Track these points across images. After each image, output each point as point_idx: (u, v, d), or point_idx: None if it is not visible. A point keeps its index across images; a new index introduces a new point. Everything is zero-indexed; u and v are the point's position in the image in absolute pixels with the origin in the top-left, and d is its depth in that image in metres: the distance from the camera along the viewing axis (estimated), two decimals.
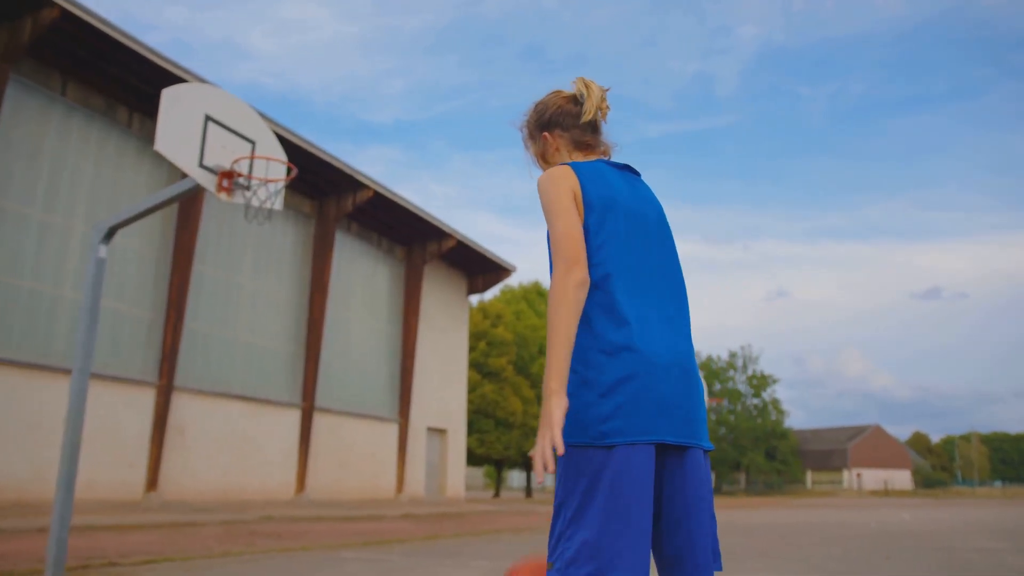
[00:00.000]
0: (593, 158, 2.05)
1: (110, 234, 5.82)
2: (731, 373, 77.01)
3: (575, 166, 1.90)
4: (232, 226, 18.25)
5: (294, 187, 20.05)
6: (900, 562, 7.53)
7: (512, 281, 46.29)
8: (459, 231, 24.16)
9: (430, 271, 25.32)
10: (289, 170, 5.82)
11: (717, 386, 77.03)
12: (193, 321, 16.96)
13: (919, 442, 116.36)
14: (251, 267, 18.80)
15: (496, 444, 36.90)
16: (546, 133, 2.10)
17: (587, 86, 2.07)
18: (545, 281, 47.62)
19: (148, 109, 15.99)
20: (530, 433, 39.03)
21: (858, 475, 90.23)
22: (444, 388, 26.05)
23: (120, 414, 14.88)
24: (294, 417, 19.49)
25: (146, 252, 16.02)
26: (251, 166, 5.62)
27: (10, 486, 12.96)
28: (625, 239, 1.85)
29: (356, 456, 21.62)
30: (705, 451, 1.82)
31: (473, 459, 39.91)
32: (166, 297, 16.31)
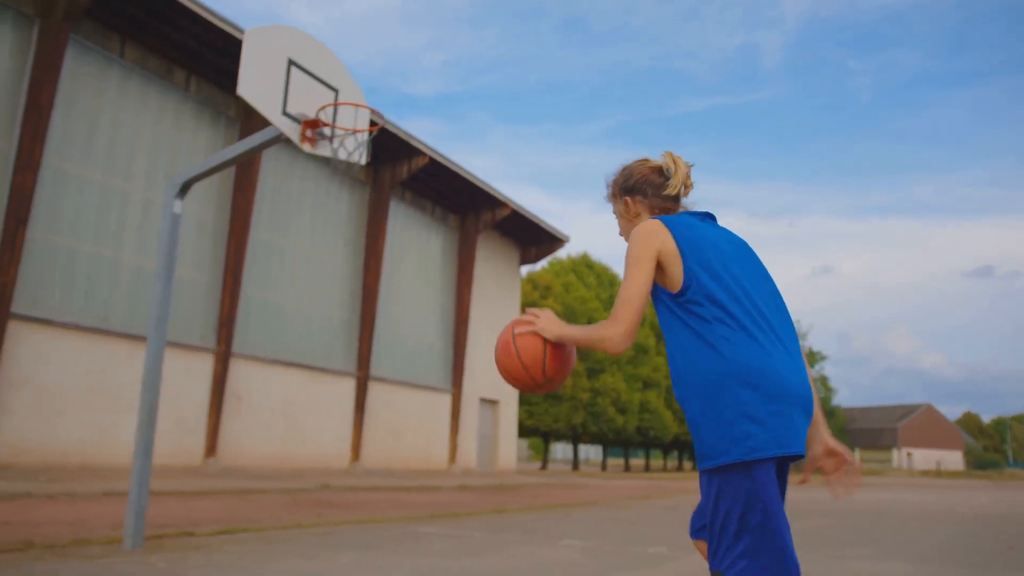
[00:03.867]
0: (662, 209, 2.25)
1: (185, 188, 5.48)
2: None
3: (665, 220, 2.08)
4: (287, 191, 18.01)
5: None
6: None
7: (560, 253, 45.71)
8: (513, 200, 23.69)
9: (483, 240, 24.93)
10: (374, 120, 5.41)
11: None
12: (250, 287, 16.80)
13: (970, 422, 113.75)
14: (307, 233, 18.58)
15: (545, 416, 36.66)
16: (627, 198, 2.29)
17: (675, 162, 2.24)
18: (593, 252, 46.95)
19: (205, 72, 15.74)
20: (579, 406, 38.71)
21: (908, 455, 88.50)
22: None
23: (180, 380, 14.79)
24: (349, 386, 19.33)
25: (204, 216, 15.85)
26: (335, 115, 5.21)
27: (76, 450, 12.94)
28: (727, 274, 2.01)
29: (409, 426, 21.45)
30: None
31: (521, 431, 39.73)
32: (223, 262, 16.15)
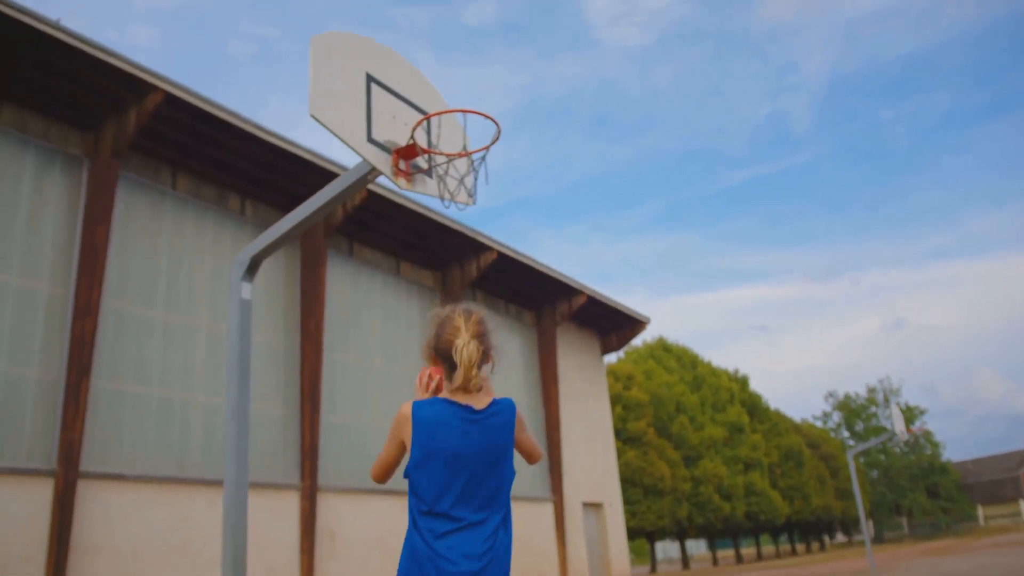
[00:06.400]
0: (453, 389, 2.72)
1: (253, 266, 4.32)
2: (873, 409, 71.67)
3: (415, 410, 2.63)
4: (356, 306, 17.05)
5: (414, 259, 18.85)
6: None
7: (636, 341, 44.08)
8: (588, 285, 22.45)
9: (562, 334, 23.57)
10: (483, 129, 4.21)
11: (859, 425, 71.69)
12: (329, 413, 15.61)
13: None
14: (380, 348, 17.49)
15: (648, 514, 34.16)
16: (432, 351, 2.76)
17: (462, 355, 2.63)
18: (669, 336, 45.25)
19: (258, 193, 15.09)
20: (682, 499, 36.16)
21: None
22: (593, 458, 23.94)
23: (265, 523, 13.47)
24: None
25: (273, 343, 14.87)
26: (430, 136, 4.02)
27: None
28: (443, 472, 2.57)
29: (514, 541, 19.60)
30: None
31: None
32: (298, 390, 15.05)
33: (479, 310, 2.77)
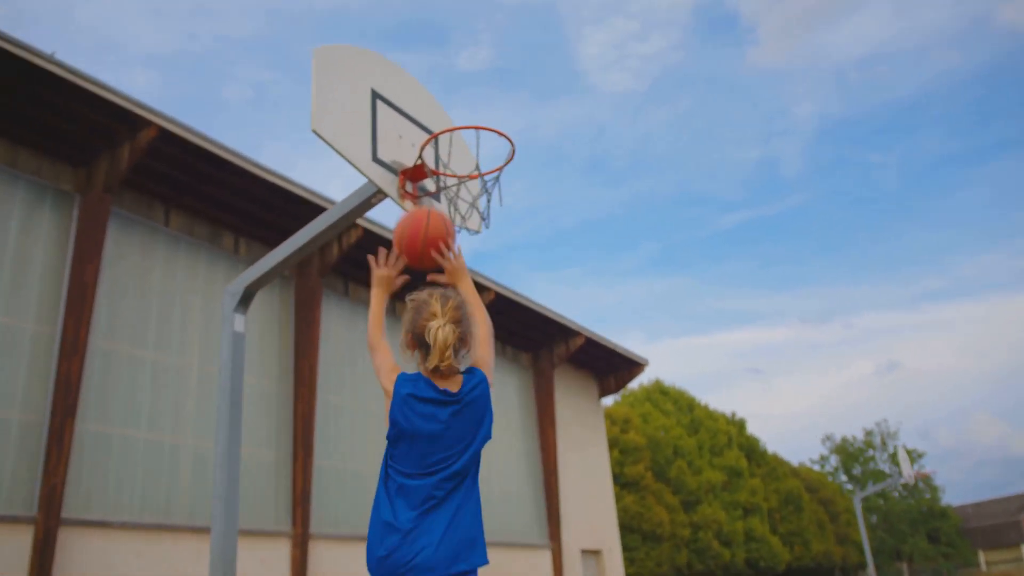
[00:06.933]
0: (429, 371, 2.77)
1: (247, 297, 4.01)
2: (871, 453, 70.92)
3: (398, 384, 2.76)
4: (351, 347, 16.69)
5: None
6: None
7: (632, 384, 43.65)
8: (586, 327, 22.12)
9: (560, 376, 23.18)
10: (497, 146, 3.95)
11: (857, 469, 70.91)
12: (323, 458, 15.16)
13: None
14: (376, 391, 17.07)
15: (646, 561, 33.38)
16: (409, 335, 2.79)
17: (435, 338, 2.66)
18: (666, 379, 44.82)
19: (254, 232, 14.81)
20: (681, 545, 35.42)
21: None
22: (591, 504, 23.39)
23: (255, 572, 12.95)
24: None
25: (265, 387, 14.47)
26: (439, 157, 3.75)
27: None
28: (416, 451, 2.70)
29: None
30: None
31: None
32: (291, 434, 14.62)
33: (457, 296, 2.76)
